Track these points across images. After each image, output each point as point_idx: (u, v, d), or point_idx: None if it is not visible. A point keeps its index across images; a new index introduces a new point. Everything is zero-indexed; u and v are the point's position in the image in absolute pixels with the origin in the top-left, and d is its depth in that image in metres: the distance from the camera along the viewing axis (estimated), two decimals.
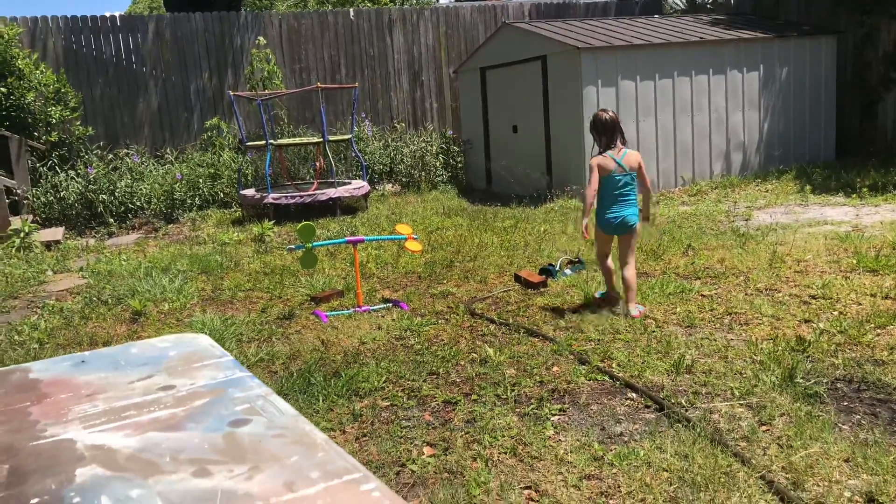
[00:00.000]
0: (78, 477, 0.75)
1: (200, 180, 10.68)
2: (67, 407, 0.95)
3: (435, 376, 3.96)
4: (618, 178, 4.70)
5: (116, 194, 10.07)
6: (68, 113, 10.36)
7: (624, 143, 4.80)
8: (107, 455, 0.80)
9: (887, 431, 2.99)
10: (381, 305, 5.33)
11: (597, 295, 5.10)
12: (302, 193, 9.55)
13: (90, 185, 10.00)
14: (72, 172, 10.12)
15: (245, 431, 0.88)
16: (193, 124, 11.77)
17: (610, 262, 4.94)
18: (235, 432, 0.88)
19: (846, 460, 2.79)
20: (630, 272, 4.73)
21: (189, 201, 10.52)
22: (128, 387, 1.06)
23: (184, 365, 1.17)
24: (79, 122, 10.65)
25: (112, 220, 9.96)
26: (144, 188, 10.24)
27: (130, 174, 10.42)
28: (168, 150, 11.30)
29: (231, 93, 10.17)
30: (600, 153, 4.76)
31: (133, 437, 0.86)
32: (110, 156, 10.60)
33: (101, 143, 10.84)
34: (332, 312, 5.23)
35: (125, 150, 10.88)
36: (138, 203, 10.18)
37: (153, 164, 10.91)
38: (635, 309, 4.69)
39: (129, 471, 0.77)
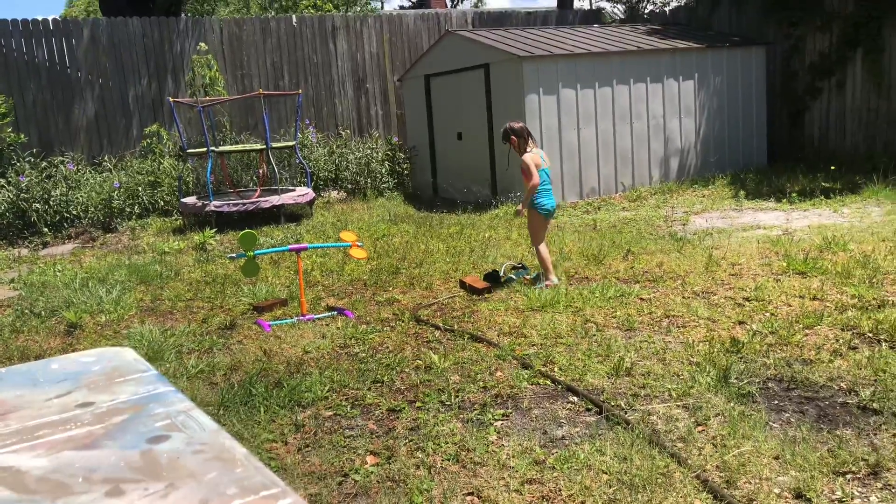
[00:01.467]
0: None
1: (140, 188, 10.41)
2: None
3: (379, 384, 3.95)
4: (546, 171, 5.59)
5: (51, 203, 9.74)
6: None
7: (535, 143, 5.69)
8: (14, 477, 0.78)
9: (814, 429, 3.11)
10: (326, 314, 5.29)
11: (537, 287, 5.54)
12: (245, 201, 9.41)
13: (22, 194, 9.64)
14: (2, 180, 9.75)
15: (163, 448, 0.87)
16: (132, 131, 11.48)
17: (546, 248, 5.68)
18: (153, 449, 0.86)
19: (776, 458, 2.89)
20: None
21: (128, 210, 10.25)
22: (44, 404, 1.03)
23: (105, 380, 1.14)
24: (10, 129, 10.26)
25: (46, 229, 9.63)
26: (81, 197, 9.93)
27: (66, 182, 10.09)
28: (106, 158, 10.99)
29: (171, 99, 9.96)
30: (521, 153, 5.56)
31: (45, 457, 0.84)
32: (44, 163, 10.23)
33: (35, 150, 10.47)
34: (276, 322, 5.17)
35: (60, 158, 10.52)
36: (74, 212, 9.87)
37: (90, 172, 10.59)
38: (556, 279, 5.61)
39: (37, 493, 0.75)
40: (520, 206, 5.64)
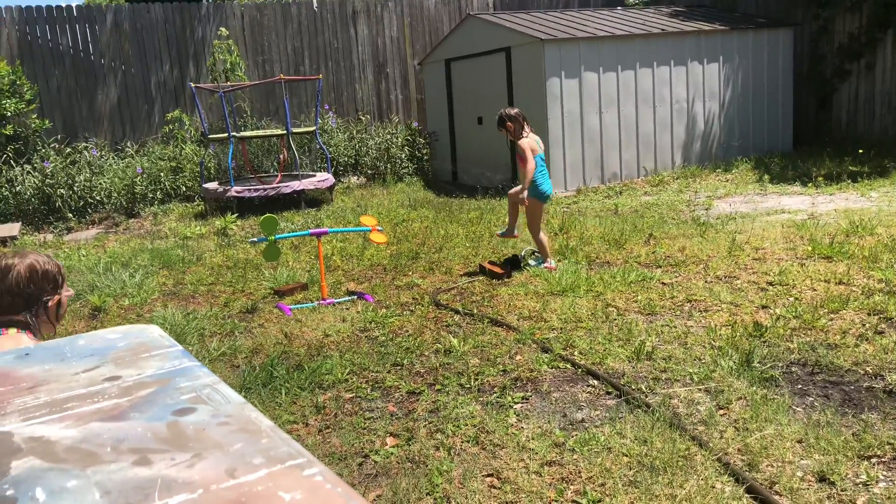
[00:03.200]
0: (13, 469, 0.74)
1: (162, 174, 10.51)
2: (7, 400, 0.93)
3: (399, 367, 3.97)
4: (542, 156, 5.62)
5: (75, 189, 9.86)
6: (24, 105, 10.09)
7: (531, 129, 5.66)
8: (45, 447, 0.79)
9: (838, 413, 3.08)
10: (346, 298, 5.32)
11: (532, 263, 5.77)
12: (266, 186, 9.46)
13: (47, 180, 9.77)
14: (28, 166, 9.88)
15: (190, 420, 0.88)
16: (154, 117, 11.57)
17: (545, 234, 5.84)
18: (179, 421, 0.87)
19: (799, 441, 2.87)
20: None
21: (150, 195, 10.35)
22: (72, 378, 1.05)
23: (132, 356, 1.15)
24: (35, 115, 10.38)
25: (71, 214, 9.76)
26: (104, 182, 10.04)
27: (89, 168, 10.21)
28: (128, 144, 11.10)
29: (192, 84, 10.01)
30: (518, 139, 5.54)
31: (74, 428, 0.85)
32: (68, 149, 10.35)
33: (59, 136, 10.60)
34: (296, 305, 5.20)
35: (84, 144, 10.64)
36: (98, 197, 9.99)
37: (113, 158, 10.70)
38: (553, 262, 5.70)
39: (67, 462, 0.76)
40: (521, 194, 5.51)
